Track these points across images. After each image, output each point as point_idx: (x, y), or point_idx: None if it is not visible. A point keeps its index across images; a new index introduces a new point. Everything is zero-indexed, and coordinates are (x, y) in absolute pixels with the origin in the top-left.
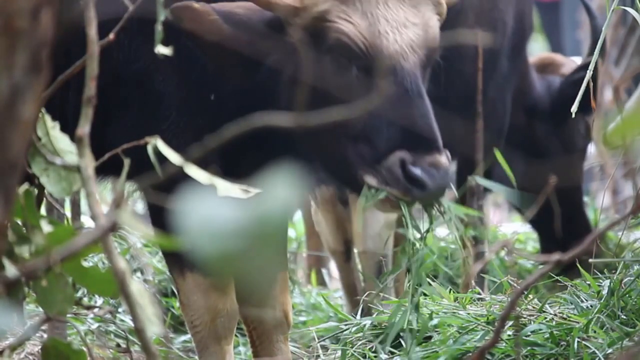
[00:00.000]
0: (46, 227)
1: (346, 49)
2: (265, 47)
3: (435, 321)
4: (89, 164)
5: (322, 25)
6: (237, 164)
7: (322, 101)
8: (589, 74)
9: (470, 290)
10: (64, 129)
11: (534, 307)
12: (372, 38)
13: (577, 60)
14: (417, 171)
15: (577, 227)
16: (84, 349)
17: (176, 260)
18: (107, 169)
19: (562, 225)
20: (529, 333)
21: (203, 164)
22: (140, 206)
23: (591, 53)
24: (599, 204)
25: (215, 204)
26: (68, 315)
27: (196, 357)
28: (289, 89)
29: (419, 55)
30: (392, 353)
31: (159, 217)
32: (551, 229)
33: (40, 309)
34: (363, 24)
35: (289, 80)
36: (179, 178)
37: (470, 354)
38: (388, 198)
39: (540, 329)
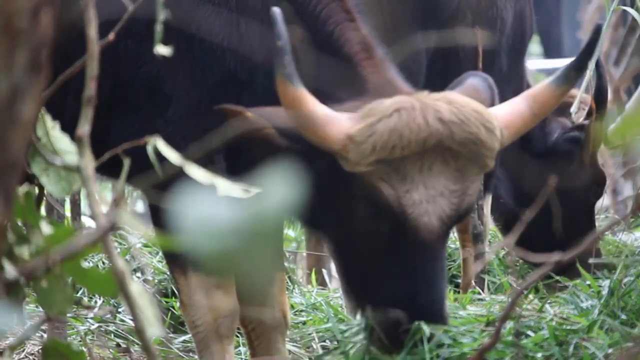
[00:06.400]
0: (46, 228)
1: (379, 206)
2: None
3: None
4: (89, 164)
5: (364, 175)
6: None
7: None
8: (588, 73)
9: (470, 290)
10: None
11: (534, 307)
12: (404, 205)
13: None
14: (404, 337)
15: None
16: (84, 349)
17: (178, 260)
18: (114, 170)
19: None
20: (529, 333)
21: (207, 162)
22: (140, 206)
23: (589, 115)
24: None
25: (210, 203)
26: (68, 315)
27: (196, 357)
28: (316, 196)
29: (448, 224)
30: None
31: (160, 217)
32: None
33: (40, 309)
34: (401, 188)
35: (320, 193)
36: (181, 178)
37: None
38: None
39: (540, 329)
